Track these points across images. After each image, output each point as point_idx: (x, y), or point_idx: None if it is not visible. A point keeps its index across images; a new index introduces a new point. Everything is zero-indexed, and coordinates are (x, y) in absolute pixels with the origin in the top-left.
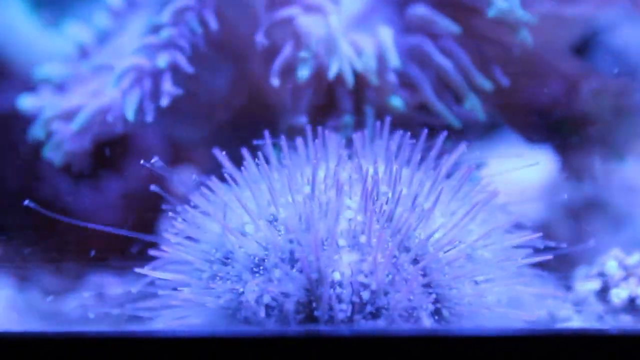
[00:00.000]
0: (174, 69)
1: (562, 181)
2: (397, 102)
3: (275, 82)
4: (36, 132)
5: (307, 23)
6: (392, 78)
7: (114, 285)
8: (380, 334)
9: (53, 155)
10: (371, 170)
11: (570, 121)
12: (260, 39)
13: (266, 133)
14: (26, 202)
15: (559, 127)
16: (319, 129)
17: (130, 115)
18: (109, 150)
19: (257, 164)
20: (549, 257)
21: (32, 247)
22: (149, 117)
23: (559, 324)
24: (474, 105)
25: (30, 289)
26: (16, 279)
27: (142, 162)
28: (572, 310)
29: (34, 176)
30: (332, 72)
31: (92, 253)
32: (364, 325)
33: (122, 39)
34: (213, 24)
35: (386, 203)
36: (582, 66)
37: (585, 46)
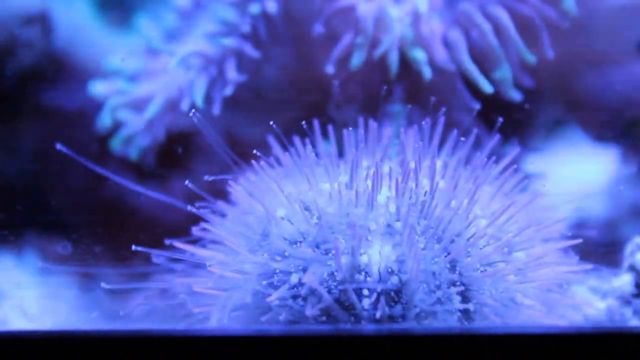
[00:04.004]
0: (240, 64)
1: (627, 180)
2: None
3: (330, 69)
4: (104, 119)
5: (367, 11)
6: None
7: (179, 284)
8: (405, 332)
9: (124, 149)
10: (412, 164)
11: None
12: (318, 28)
13: (315, 122)
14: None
15: (631, 127)
16: (369, 119)
17: (199, 101)
18: (175, 149)
19: (299, 153)
20: (589, 266)
21: (102, 246)
22: (216, 109)
23: (618, 323)
24: (504, 76)
25: (96, 287)
26: (84, 277)
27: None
28: (630, 311)
29: (101, 175)
30: (379, 52)
31: (169, 241)
32: (389, 310)
33: (189, 38)
34: (280, 20)
35: (424, 195)
36: None
37: None
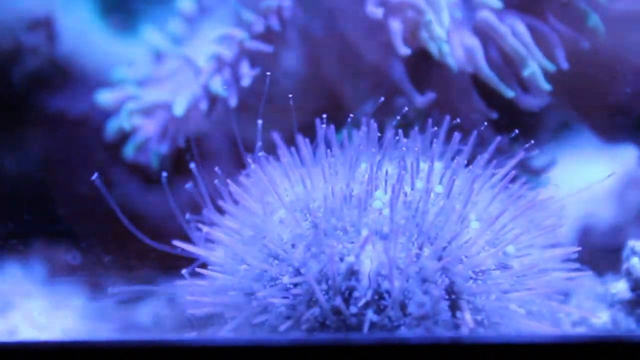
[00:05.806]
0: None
1: (636, 183)
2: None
3: (405, 51)
4: (121, 123)
5: None
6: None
7: (185, 292)
8: (394, 341)
9: (138, 155)
10: (409, 167)
11: None
12: (371, 9)
13: (318, 121)
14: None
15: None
16: (371, 120)
17: (221, 91)
18: (181, 155)
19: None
20: (588, 273)
21: (111, 255)
22: (233, 102)
23: (623, 331)
24: (533, 72)
25: (104, 297)
26: (92, 286)
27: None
28: (632, 318)
29: (107, 182)
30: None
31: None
32: (379, 317)
33: (194, 43)
34: (288, 26)
35: (419, 200)
36: None
37: None
